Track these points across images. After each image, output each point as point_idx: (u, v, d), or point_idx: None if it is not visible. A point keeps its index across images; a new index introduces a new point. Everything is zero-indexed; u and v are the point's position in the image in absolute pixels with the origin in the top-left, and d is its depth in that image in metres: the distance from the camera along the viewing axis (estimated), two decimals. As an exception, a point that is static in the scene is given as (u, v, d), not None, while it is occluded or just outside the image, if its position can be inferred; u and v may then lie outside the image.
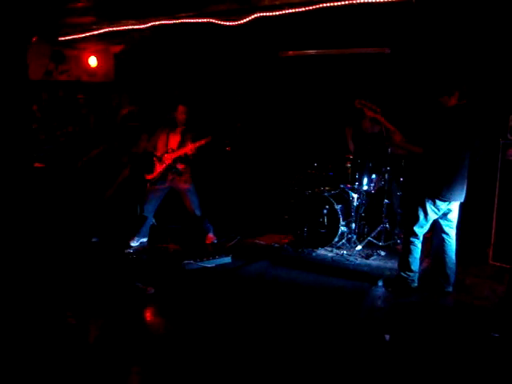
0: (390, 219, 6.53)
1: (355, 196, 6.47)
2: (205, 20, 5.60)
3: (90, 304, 4.68)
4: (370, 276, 5.46)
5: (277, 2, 5.01)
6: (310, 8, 4.99)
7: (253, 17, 5.37)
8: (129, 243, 6.33)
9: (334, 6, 4.88)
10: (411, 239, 4.85)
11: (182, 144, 6.25)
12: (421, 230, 4.82)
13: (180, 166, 6.32)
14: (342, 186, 6.64)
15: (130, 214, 6.75)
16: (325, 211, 6.36)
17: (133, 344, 3.96)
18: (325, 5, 4.90)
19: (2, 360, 3.66)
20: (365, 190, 6.48)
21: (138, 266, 5.72)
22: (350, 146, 6.81)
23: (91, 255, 5.98)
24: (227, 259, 5.84)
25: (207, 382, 3.48)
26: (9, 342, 3.91)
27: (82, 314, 4.48)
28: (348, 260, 6.04)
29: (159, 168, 6.31)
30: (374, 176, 6.45)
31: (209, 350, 3.86)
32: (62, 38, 6.96)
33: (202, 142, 6.12)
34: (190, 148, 6.14)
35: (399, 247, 6.18)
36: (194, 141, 6.17)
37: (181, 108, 6.27)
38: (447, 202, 4.70)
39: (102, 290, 4.97)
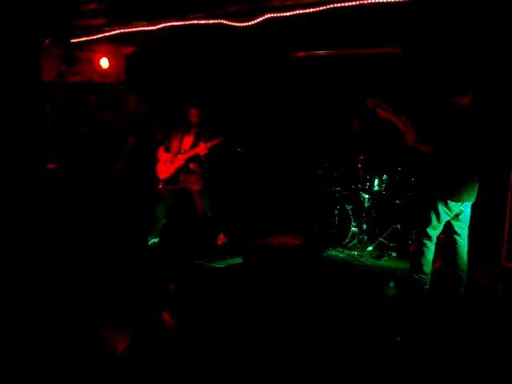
0: (402, 220, 6.50)
1: (366, 196, 6.46)
2: (215, 21, 5.60)
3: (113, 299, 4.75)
4: (381, 277, 5.44)
5: (288, 3, 5.00)
6: (321, 8, 4.97)
7: (263, 18, 5.36)
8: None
9: (345, 7, 4.86)
10: (424, 241, 4.81)
11: (194, 145, 6.30)
12: (434, 231, 4.78)
13: (192, 166, 6.35)
14: (353, 186, 6.63)
15: (143, 214, 6.78)
16: (336, 212, 6.35)
17: (150, 340, 4.00)
18: (336, 5, 4.88)
19: (18, 352, 3.73)
20: (376, 191, 6.46)
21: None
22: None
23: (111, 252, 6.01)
24: (238, 260, 5.85)
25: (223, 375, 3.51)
26: (26, 335, 3.98)
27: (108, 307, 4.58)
28: (359, 261, 6.03)
29: (171, 168, 6.34)
30: (385, 176, 6.43)
31: (220, 350, 3.88)
32: (74, 40, 7.00)
33: (214, 142, 6.17)
34: (202, 148, 6.17)
35: (411, 248, 6.16)
36: (206, 141, 6.20)
37: (193, 111, 6.32)
38: (459, 203, 4.67)
39: (124, 287, 5.02)
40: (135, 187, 6.55)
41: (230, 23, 5.58)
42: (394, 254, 6.23)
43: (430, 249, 4.84)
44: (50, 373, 3.52)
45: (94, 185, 6.08)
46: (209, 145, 6.15)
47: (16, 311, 4.35)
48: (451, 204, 4.65)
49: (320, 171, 7.11)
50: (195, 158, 6.30)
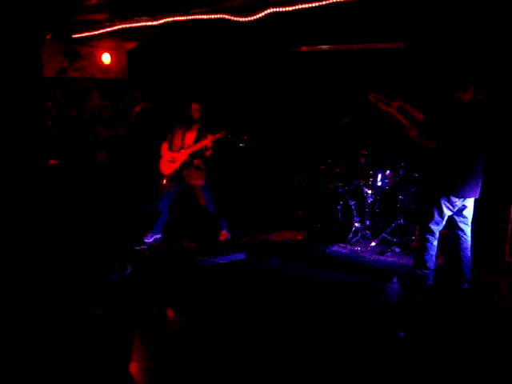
0: (405, 215, 6.48)
1: (369, 192, 6.43)
2: (218, 16, 5.59)
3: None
4: (385, 273, 5.43)
5: (290, -3, 4.99)
6: (324, 3, 4.95)
7: (266, 12, 5.34)
8: (143, 239, 6.37)
9: (347, 1, 4.84)
10: (427, 236, 4.80)
11: (198, 140, 6.28)
12: (436, 227, 4.77)
13: (195, 162, 6.34)
14: (356, 182, 6.61)
15: (145, 210, 6.79)
16: (339, 207, 6.33)
17: (151, 338, 4.00)
18: (338, -1, 4.87)
19: (30, 345, 3.80)
20: (379, 186, 6.44)
21: (153, 262, 5.75)
22: None
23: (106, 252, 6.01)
24: (241, 256, 5.84)
25: (224, 374, 3.50)
26: (39, 328, 4.04)
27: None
28: (362, 256, 6.01)
29: (175, 164, 6.33)
30: (388, 172, 6.41)
31: (223, 345, 3.88)
32: (76, 36, 6.99)
33: (221, 134, 6.15)
34: (210, 140, 6.15)
35: (414, 244, 6.14)
36: (213, 134, 6.18)
37: (194, 106, 6.31)
38: (462, 199, 4.65)
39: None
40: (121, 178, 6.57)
41: (233, 18, 5.56)
42: (397, 250, 6.21)
43: (433, 244, 4.83)
44: (56, 368, 3.54)
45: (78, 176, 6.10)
46: (217, 136, 6.13)
47: (21, 305, 4.38)
48: (454, 200, 4.63)
49: (323, 167, 7.08)
50: (199, 154, 6.29)
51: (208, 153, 6.23)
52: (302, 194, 7.03)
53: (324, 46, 7.26)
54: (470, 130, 4.54)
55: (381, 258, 5.98)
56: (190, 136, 6.32)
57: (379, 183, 6.41)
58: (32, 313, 4.30)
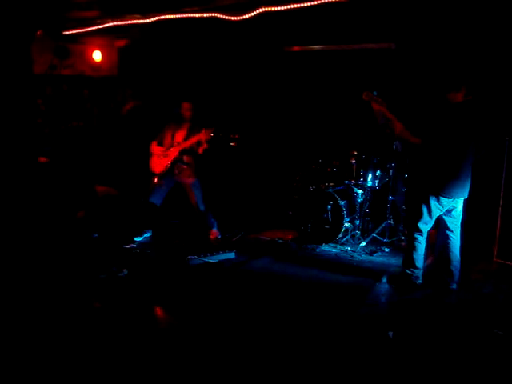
0: (395, 216, 6.51)
1: (359, 192, 6.45)
2: (209, 15, 5.58)
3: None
4: (374, 272, 5.45)
5: (282, -3, 4.99)
6: (316, 3, 4.96)
7: (258, 11, 5.34)
8: (133, 238, 6.34)
9: (339, 1, 4.85)
10: (416, 236, 4.83)
11: (187, 138, 6.26)
12: (425, 226, 4.80)
13: (186, 159, 6.32)
14: (346, 182, 6.61)
15: (135, 208, 6.76)
16: (329, 207, 6.34)
17: (141, 338, 3.98)
18: (331, -1, 4.87)
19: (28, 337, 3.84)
20: (369, 186, 6.45)
21: (143, 261, 5.73)
22: None
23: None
24: (231, 254, 5.83)
25: (213, 375, 3.49)
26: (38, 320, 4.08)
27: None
28: (352, 256, 6.02)
29: (165, 162, 6.31)
30: (378, 172, 6.43)
31: (213, 344, 3.87)
32: (67, 33, 6.95)
33: (213, 129, 6.13)
34: (201, 136, 6.11)
35: (403, 244, 6.17)
36: (207, 128, 6.15)
37: (185, 105, 6.29)
38: (451, 199, 4.68)
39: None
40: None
41: (225, 17, 5.55)
42: (386, 250, 6.23)
43: (422, 243, 4.86)
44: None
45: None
46: (212, 129, 6.10)
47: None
48: (443, 200, 4.66)
49: (313, 166, 7.09)
50: (189, 151, 6.27)
51: (201, 149, 6.20)
52: (293, 193, 7.03)
53: (316, 46, 7.27)
54: (459, 130, 4.57)
55: (370, 257, 6.00)
56: (180, 134, 6.31)
57: (369, 183, 6.43)
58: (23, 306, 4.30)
